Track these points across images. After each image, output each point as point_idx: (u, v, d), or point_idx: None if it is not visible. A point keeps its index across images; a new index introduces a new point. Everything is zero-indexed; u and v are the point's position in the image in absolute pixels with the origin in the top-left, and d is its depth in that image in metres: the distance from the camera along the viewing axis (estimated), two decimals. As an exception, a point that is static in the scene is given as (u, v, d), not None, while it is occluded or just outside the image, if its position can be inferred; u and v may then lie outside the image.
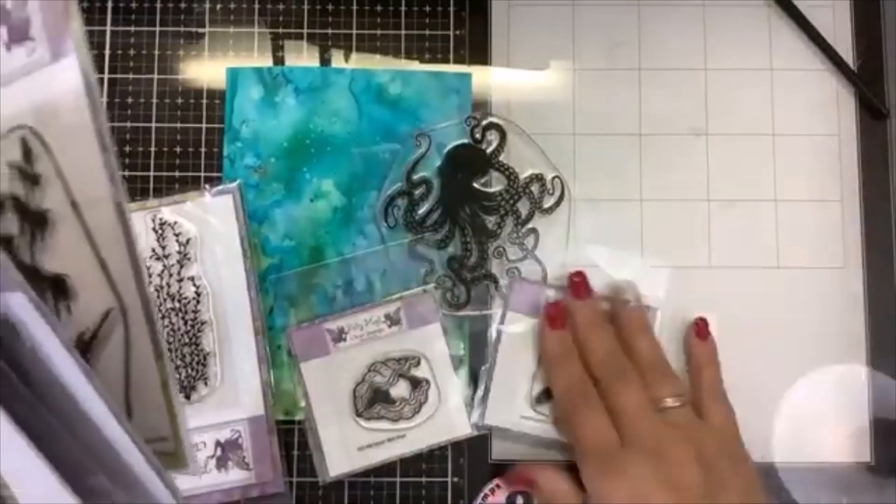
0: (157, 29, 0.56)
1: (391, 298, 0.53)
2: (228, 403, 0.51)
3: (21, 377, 0.29)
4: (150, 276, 0.52)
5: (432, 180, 0.54)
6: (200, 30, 0.56)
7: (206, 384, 0.51)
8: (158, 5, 0.56)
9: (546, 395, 0.52)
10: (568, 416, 0.48)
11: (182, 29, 0.56)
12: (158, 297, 0.52)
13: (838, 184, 0.55)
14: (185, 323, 0.52)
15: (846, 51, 0.56)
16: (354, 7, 0.56)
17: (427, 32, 0.56)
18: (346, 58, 0.56)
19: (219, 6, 0.56)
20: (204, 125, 0.55)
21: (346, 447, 0.51)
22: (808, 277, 0.54)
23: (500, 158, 0.54)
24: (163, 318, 0.52)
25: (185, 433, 0.32)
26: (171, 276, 0.52)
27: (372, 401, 0.52)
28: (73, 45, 0.30)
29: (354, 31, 0.56)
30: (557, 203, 0.54)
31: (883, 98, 0.55)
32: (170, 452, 0.32)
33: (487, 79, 0.55)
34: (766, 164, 0.55)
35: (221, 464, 0.51)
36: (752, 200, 0.55)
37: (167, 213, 0.53)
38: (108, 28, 0.56)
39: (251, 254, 0.53)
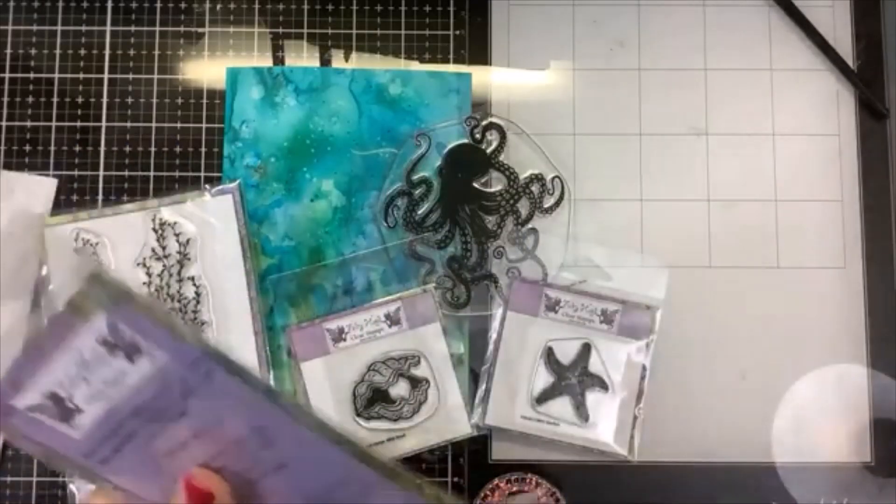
0: (157, 29, 0.56)
1: (391, 298, 0.53)
2: (228, 403, 0.51)
3: None
4: (149, 276, 0.52)
5: (432, 180, 0.54)
6: (200, 30, 0.56)
7: (206, 384, 0.51)
8: (158, 5, 0.56)
9: (546, 395, 0.52)
10: None
11: (182, 29, 0.56)
12: (158, 297, 0.52)
13: (838, 184, 0.55)
14: (185, 323, 0.52)
15: (846, 51, 0.56)
16: (354, 7, 0.56)
17: (427, 32, 0.56)
18: (346, 58, 0.56)
19: (219, 6, 0.56)
20: (204, 125, 0.55)
21: (346, 447, 0.51)
22: (808, 277, 0.54)
23: (500, 158, 0.54)
24: (163, 318, 0.52)
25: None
26: (171, 276, 0.52)
27: (371, 400, 0.52)
28: None
29: (354, 31, 0.56)
30: (557, 203, 0.54)
31: (883, 98, 0.55)
32: None
33: (487, 79, 0.55)
34: (766, 164, 0.55)
35: (221, 464, 0.51)
36: (752, 200, 0.55)
37: (167, 213, 0.53)
38: (108, 28, 0.56)
39: (251, 254, 0.53)
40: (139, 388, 0.32)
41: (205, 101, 0.55)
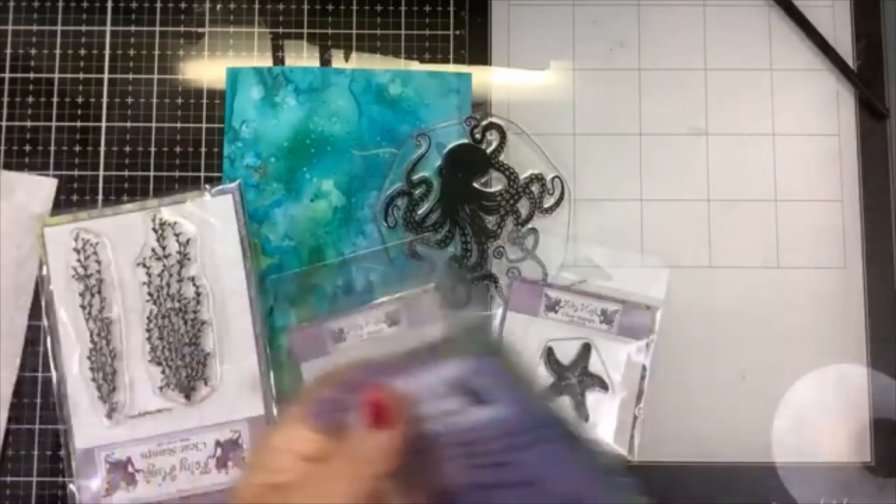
0: (157, 29, 0.56)
1: (391, 298, 0.53)
2: (228, 403, 0.51)
3: None
4: (149, 276, 0.52)
5: (432, 180, 0.54)
6: (200, 30, 0.56)
7: (206, 384, 0.51)
8: (158, 5, 0.56)
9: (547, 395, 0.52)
10: None
11: (182, 29, 0.56)
12: (158, 297, 0.52)
13: (838, 184, 0.55)
14: (185, 323, 0.52)
15: (846, 51, 0.56)
16: (354, 7, 0.56)
17: (427, 32, 0.56)
18: (346, 58, 0.56)
19: (219, 6, 0.56)
20: (204, 125, 0.55)
21: (346, 447, 0.51)
22: (808, 277, 0.54)
23: (500, 158, 0.54)
24: (163, 318, 0.52)
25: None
26: (171, 276, 0.52)
27: (372, 401, 0.52)
28: None
29: (354, 31, 0.56)
30: (557, 203, 0.54)
31: (883, 98, 0.55)
32: None
33: (487, 79, 0.55)
34: (766, 164, 0.55)
35: (221, 464, 0.51)
36: (752, 200, 0.55)
37: (167, 213, 0.53)
38: (108, 28, 0.56)
39: (251, 254, 0.53)
40: (469, 428, 0.34)
41: (205, 101, 0.55)
